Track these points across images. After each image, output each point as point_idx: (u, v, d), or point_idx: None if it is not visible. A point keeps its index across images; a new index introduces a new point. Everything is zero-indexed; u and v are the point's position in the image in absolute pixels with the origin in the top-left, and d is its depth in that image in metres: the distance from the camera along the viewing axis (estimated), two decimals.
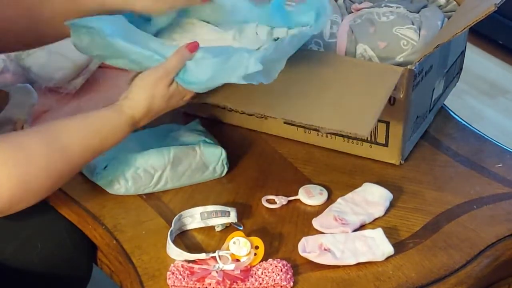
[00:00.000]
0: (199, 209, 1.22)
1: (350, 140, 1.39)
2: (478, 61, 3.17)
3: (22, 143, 1.12)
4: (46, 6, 1.27)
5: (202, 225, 1.22)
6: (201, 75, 1.20)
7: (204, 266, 1.13)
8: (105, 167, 1.27)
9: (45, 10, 1.27)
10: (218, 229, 1.22)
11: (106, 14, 1.27)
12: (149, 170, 1.28)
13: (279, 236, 1.22)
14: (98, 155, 1.20)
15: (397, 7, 1.44)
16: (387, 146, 1.36)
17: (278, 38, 1.32)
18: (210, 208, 1.22)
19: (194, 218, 1.22)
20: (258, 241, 1.17)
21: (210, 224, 1.22)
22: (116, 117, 1.20)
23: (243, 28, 1.35)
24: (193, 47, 1.22)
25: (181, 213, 1.22)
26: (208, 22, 1.37)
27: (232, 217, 1.21)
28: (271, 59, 1.19)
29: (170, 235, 1.18)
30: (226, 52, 1.21)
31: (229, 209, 1.22)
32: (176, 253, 1.16)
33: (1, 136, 1.13)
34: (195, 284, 1.11)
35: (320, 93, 1.26)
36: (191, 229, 1.23)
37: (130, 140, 1.35)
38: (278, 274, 1.12)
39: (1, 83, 1.50)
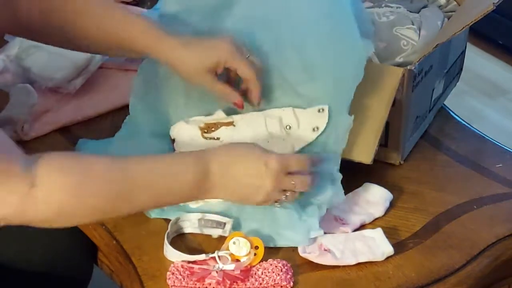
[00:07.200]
0: (197, 216, 1.20)
1: None
2: (478, 61, 3.17)
3: (84, 157, 1.05)
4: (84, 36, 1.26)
5: (197, 231, 1.21)
6: None
7: (204, 266, 1.12)
8: None
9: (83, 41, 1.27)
10: (214, 236, 1.20)
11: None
12: None
13: None
14: (162, 201, 1.12)
15: (397, 7, 1.44)
16: (386, 146, 1.36)
17: (290, 127, 1.27)
18: (208, 216, 1.20)
19: (192, 223, 1.20)
20: (258, 241, 1.16)
21: (205, 233, 1.20)
22: (187, 156, 1.12)
23: (257, 128, 1.27)
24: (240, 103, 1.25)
25: (179, 216, 1.20)
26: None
27: (227, 230, 1.19)
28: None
29: (167, 237, 1.17)
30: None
31: (225, 220, 1.19)
32: (174, 255, 1.15)
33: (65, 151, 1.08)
34: (195, 284, 1.11)
35: None
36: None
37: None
38: (278, 274, 1.12)
39: (1, 83, 1.50)
